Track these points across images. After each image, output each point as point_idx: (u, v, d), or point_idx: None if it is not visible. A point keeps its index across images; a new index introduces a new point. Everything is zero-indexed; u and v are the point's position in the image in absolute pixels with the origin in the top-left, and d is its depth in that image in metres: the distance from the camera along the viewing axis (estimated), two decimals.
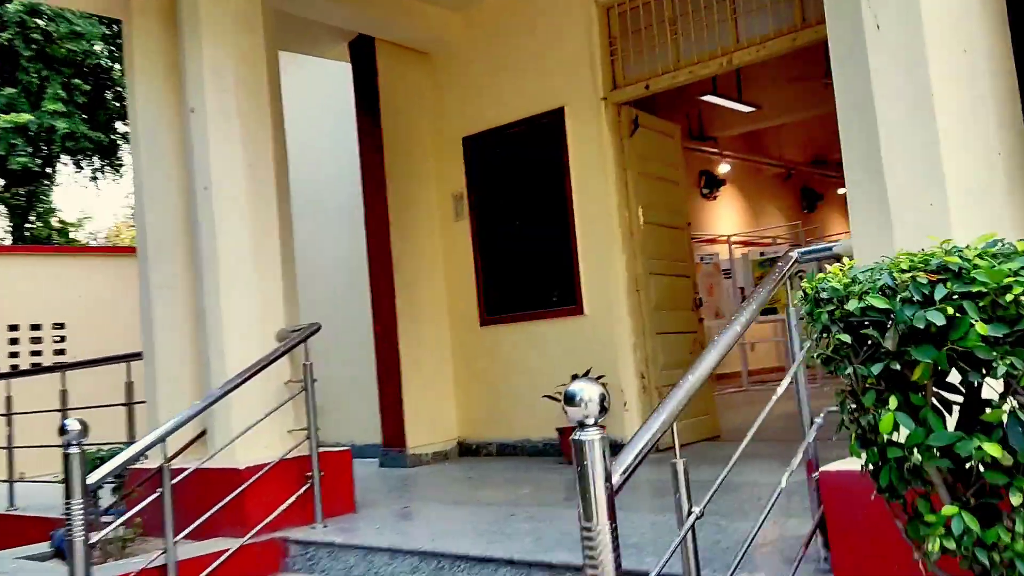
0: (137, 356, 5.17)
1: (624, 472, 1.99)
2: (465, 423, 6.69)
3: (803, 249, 2.74)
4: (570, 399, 1.95)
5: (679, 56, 5.67)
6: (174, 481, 3.71)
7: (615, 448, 5.18)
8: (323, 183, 7.61)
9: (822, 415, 2.73)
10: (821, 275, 1.86)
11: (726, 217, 15.41)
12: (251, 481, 4.04)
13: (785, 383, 2.66)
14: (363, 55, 6.65)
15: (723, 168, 15.04)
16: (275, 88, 4.84)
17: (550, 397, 5.81)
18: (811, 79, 10.97)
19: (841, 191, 18.29)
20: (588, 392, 1.94)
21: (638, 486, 4.83)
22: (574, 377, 5.86)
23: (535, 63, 6.24)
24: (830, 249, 2.68)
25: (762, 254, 11.90)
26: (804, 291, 1.95)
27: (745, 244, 14.16)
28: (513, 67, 6.37)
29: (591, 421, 1.93)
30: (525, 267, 6.30)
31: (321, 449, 4.35)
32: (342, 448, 4.68)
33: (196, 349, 4.59)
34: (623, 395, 5.79)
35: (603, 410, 1.93)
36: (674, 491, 2.27)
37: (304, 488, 4.20)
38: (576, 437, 1.91)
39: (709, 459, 5.12)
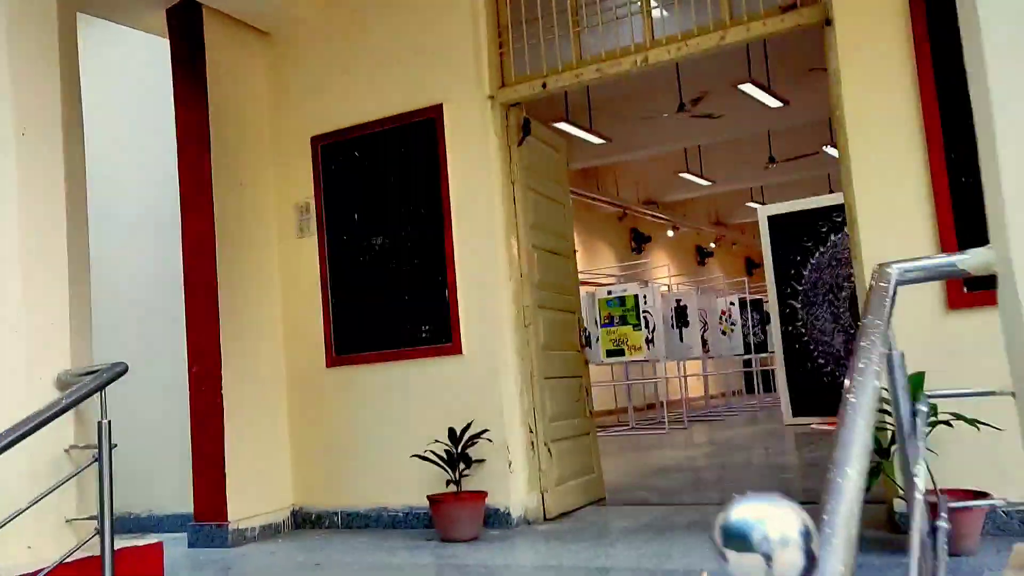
0: None
1: None
2: (303, 487, 5.40)
3: (907, 264, 1.87)
4: (738, 539, 0.92)
5: (581, 51, 4.84)
6: None
7: (502, 518, 4.08)
8: (125, 184, 6.10)
9: (945, 520, 1.83)
10: None
11: None
12: None
13: (920, 472, 1.75)
14: (186, 27, 5.32)
15: None
16: (68, 36, 3.48)
17: (421, 457, 4.70)
18: (665, 110, 10.68)
19: (671, 234, 18.45)
20: (778, 525, 0.92)
21: None
22: (451, 432, 4.78)
23: (408, 51, 5.20)
24: (953, 265, 1.81)
25: (609, 292, 11.36)
26: None
27: (583, 284, 13.67)
28: (380, 55, 5.29)
29: None
30: (388, 295, 5.17)
31: (119, 544, 3.02)
32: (147, 540, 3.32)
33: None
34: (508, 454, 4.77)
35: (809, 567, 0.92)
36: None
37: None
38: None
39: (621, 535, 4.21)
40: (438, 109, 5.05)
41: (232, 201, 5.26)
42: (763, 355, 15.37)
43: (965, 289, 3.63)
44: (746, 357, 15.22)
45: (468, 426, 4.68)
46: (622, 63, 4.65)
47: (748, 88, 9.54)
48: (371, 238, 5.25)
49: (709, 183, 14.73)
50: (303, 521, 5.34)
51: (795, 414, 10.16)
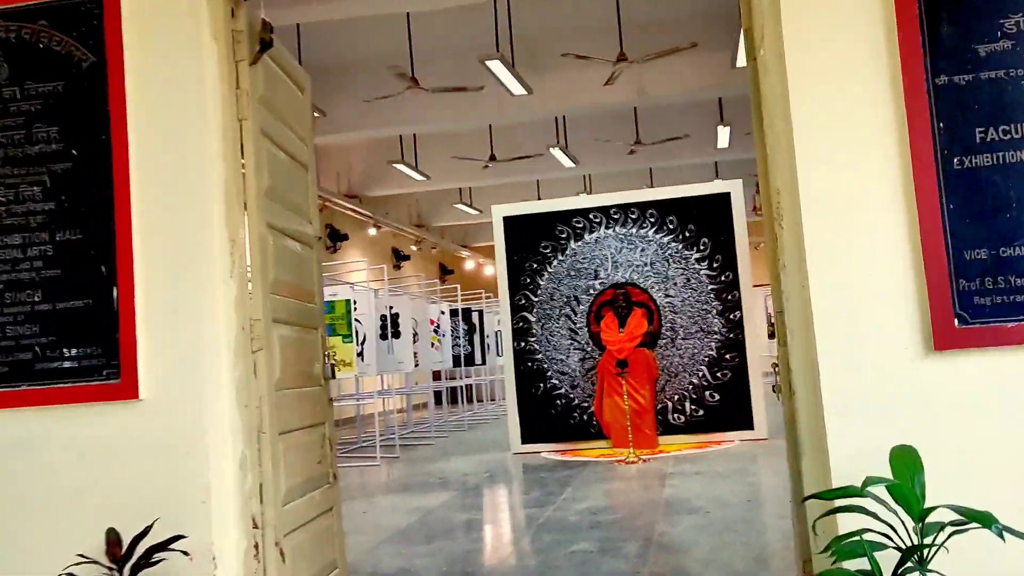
0: None
1: None
2: None
3: None
4: None
5: None
6: None
7: None
8: None
9: None
10: None
11: None
12: None
13: None
14: None
15: None
16: None
17: None
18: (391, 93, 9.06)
19: (373, 232, 16.83)
20: None
21: None
22: (112, 539, 2.69)
23: None
24: None
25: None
26: None
27: None
28: None
29: None
30: (4, 292, 2.97)
31: None
32: None
33: None
34: (216, 570, 2.84)
35: None
36: None
37: None
38: None
39: None
40: None
41: None
42: (472, 367, 14.35)
43: (957, 323, 2.49)
44: (455, 370, 14.09)
45: (147, 529, 2.68)
46: None
47: (495, 65, 8.27)
48: None
49: (423, 178, 13.36)
50: None
51: (524, 441, 9.07)
